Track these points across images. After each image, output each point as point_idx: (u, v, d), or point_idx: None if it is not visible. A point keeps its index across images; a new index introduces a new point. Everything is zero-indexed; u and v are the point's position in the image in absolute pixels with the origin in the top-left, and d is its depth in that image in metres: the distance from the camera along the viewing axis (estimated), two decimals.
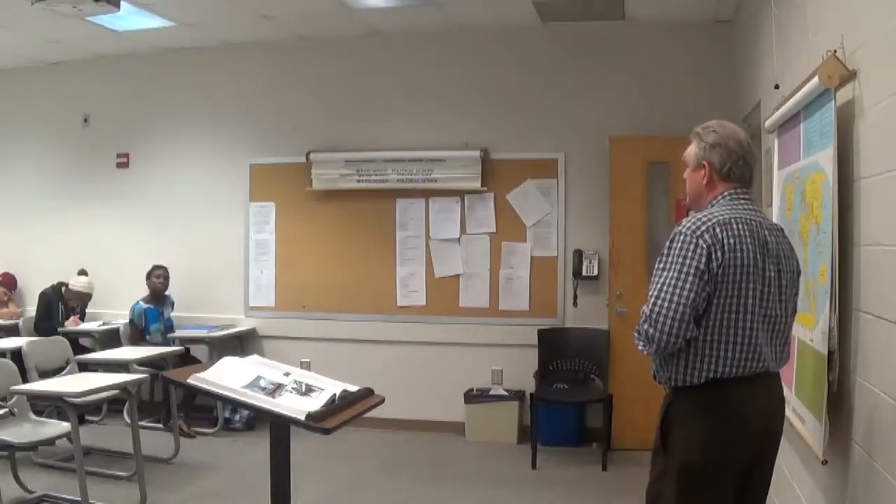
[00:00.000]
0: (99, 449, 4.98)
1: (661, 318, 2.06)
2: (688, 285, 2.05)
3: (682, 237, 2.11)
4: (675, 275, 2.08)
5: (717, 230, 2.09)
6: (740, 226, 2.12)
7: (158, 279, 5.97)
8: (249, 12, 5.37)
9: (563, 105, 5.64)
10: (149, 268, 6.00)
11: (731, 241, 2.09)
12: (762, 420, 2.13)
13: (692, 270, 2.06)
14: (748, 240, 2.11)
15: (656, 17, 5.36)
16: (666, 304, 2.06)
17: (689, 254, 2.08)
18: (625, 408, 5.18)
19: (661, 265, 2.14)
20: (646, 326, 2.11)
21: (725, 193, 2.24)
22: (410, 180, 5.81)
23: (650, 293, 2.13)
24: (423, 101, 5.88)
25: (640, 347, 2.16)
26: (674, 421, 2.17)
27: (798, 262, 2.31)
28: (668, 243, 2.15)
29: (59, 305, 6.12)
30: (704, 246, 2.07)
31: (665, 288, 2.08)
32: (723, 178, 2.25)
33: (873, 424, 2.20)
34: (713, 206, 2.24)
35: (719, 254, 2.07)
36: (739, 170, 2.24)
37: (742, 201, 2.22)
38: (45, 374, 4.66)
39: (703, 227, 2.10)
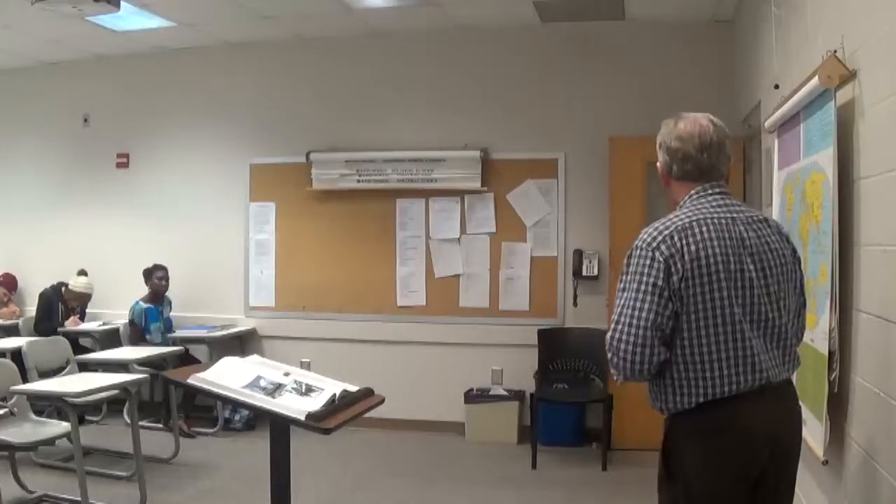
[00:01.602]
0: (99, 449, 4.97)
1: (623, 346, 1.89)
2: (647, 305, 1.87)
3: (638, 251, 1.93)
4: (633, 294, 1.89)
5: (675, 238, 1.90)
6: (705, 227, 1.92)
7: (160, 280, 5.96)
8: (249, 12, 5.37)
9: (563, 105, 5.63)
10: (148, 266, 6.00)
11: (693, 247, 1.88)
12: (766, 436, 1.91)
13: (650, 288, 1.87)
14: (715, 242, 1.90)
15: (656, 17, 5.36)
16: (625, 328, 1.89)
17: (646, 269, 1.89)
18: (625, 408, 5.17)
19: (621, 285, 1.95)
20: (609, 355, 1.94)
21: (692, 193, 2.03)
22: (410, 180, 5.81)
23: (612, 317, 1.96)
24: (423, 101, 5.88)
25: (614, 378, 1.99)
26: (674, 449, 1.98)
27: (794, 250, 2.07)
28: (626, 259, 1.96)
29: (59, 306, 6.12)
30: (661, 259, 1.88)
31: (624, 311, 1.90)
32: (677, 179, 2.06)
33: (873, 424, 2.20)
34: (679, 209, 2.03)
35: (679, 265, 1.87)
36: (680, 167, 2.03)
37: (711, 197, 2.00)
38: (45, 374, 4.66)
39: (660, 238, 1.91)
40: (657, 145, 2.11)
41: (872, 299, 2.25)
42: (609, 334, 1.94)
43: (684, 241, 1.90)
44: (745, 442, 1.90)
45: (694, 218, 1.94)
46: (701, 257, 1.89)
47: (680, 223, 1.94)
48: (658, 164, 2.12)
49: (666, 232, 1.92)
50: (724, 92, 5.10)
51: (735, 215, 1.98)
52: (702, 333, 1.89)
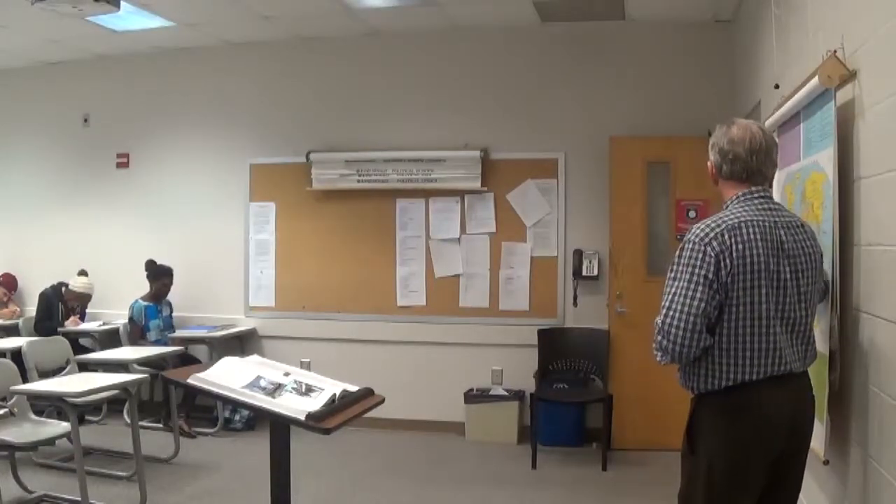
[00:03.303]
0: (99, 449, 4.98)
1: (674, 330, 2.07)
2: (698, 295, 2.05)
3: (690, 245, 2.11)
4: (685, 284, 2.08)
5: (726, 236, 2.08)
6: (751, 229, 2.09)
7: (166, 287, 5.96)
8: (249, 12, 5.37)
9: (563, 105, 5.63)
10: (154, 260, 5.99)
11: (741, 246, 2.06)
12: (786, 419, 2.10)
13: (701, 280, 2.05)
14: (759, 243, 2.08)
15: (656, 17, 5.36)
16: (677, 314, 2.07)
17: (698, 262, 2.07)
18: (625, 408, 5.18)
19: (672, 274, 2.14)
20: (659, 338, 2.12)
21: (739, 194, 2.20)
22: (410, 180, 5.81)
23: (662, 304, 2.13)
24: (423, 101, 5.88)
25: (657, 358, 2.16)
26: (699, 426, 2.16)
27: (822, 253, 2.27)
28: (678, 251, 2.15)
29: (59, 306, 6.12)
30: (713, 254, 2.06)
31: (676, 298, 2.09)
32: (725, 178, 2.25)
33: (874, 424, 2.20)
34: (726, 207, 2.22)
35: (728, 261, 2.05)
36: (730, 167, 2.22)
37: (757, 201, 2.18)
38: (45, 374, 4.66)
39: (712, 234, 2.09)
40: (709, 146, 2.30)
41: (872, 299, 2.25)
42: (661, 319, 2.12)
43: (733, 240, 2.08)
44: (765, 423, 2.08)
45: (742, 219, 2.12)
46: (746, 256, 2.07)
47: (730, 222, 2.11)
48: (709, 163, 2.31)
49: (717, 230, 2.10)
50: (724, 92, 5.11)
51: (777, 219, 2.16)
52: (738, 325, 2.08)
